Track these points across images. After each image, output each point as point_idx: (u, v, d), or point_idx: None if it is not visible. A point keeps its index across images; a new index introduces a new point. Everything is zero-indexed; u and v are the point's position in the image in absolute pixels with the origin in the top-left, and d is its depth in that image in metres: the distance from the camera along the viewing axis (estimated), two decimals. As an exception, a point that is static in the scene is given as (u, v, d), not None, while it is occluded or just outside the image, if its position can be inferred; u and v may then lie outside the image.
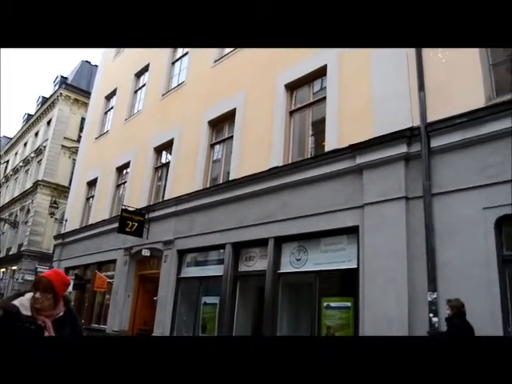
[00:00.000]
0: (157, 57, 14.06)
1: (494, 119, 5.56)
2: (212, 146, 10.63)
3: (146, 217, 11.09)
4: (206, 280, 9.50)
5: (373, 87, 7.22)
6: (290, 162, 8.28)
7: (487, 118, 5.62)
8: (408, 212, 6.08)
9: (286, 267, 7.71)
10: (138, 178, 12.79)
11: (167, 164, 11.94)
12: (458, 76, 6.20)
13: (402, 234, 6.00)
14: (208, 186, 10.00)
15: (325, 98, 8.03)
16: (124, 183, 13.92)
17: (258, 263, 8.30)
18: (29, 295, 2.78)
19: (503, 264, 5.16)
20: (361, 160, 6.72)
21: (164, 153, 12.56)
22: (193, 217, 9.80)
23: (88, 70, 31.77)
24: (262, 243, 8.11)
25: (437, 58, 6.43)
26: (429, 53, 6.59)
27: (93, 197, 15.71)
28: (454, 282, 5.41)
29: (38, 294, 2.71)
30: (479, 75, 6.01)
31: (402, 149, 6.31)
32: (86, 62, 33.40)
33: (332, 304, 6.83)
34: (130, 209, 11.13)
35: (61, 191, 26.94)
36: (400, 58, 6.94)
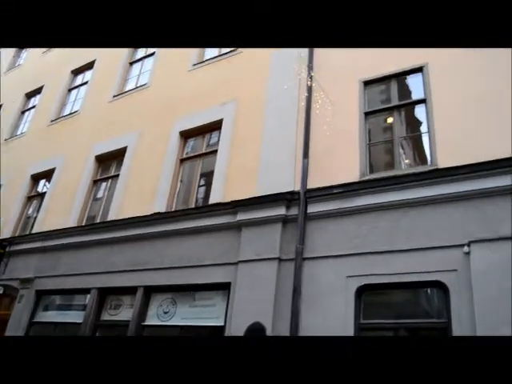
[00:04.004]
0: (55, 81, 13.41)
1: (365, 193, 5.95)
2: (95, 182, 10.09)
3: (7, 249, 9.99)
4: (62, 327, 8.63)
5: (263, 147, 7.44)
6: (173, 209, 8.10)
7: (360, 191, 5.99)
8: (279, 273, 6.14)
9: (152, 319, 7.29)
10: (8, 205, 11.63)
11: (43, 194, 11.05)
12: (340, 150, 6.62)
13: (271, 294, 6.01)
14: (84, 223, 9.37)
15: (216, 151, 8.10)
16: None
17: (123, 312, 7.76)
18: None
19: (359, 332, 5.35)
20: (241, 217, 6.75)
21: (42, 181, 11.65)
22: (59, 255, 9.01)
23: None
24: (130, 291, 7.64)
25: (323, 130, 6.81)
26: (315, 126, 6.98)
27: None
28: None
29: None
30: (357, 152, 6.45)
31: (281, 211, 6.46)
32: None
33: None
34: (-13, 238, 9.98)
35: None
36: (290, 124, 7.30)
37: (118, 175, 9.51)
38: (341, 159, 6.54)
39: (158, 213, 7.95)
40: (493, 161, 5.19)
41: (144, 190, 8.62)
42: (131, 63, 11.79)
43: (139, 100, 10.35)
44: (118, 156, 9.85)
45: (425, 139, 6.27)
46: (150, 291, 7.48)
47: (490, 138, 5.51)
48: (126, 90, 11.08)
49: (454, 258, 5.06)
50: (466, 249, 5.01)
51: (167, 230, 7.60)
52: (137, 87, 10.81)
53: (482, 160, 5.26)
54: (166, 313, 7.17)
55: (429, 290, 5.45)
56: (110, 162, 10.16)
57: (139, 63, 11.63)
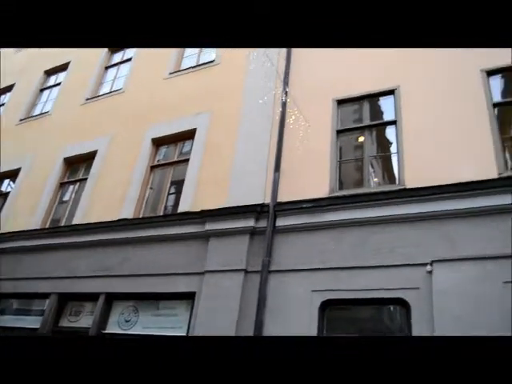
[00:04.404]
0: (27, 80, 13.14)
1: (334, 209, 6.03)
2: (62, 184, 9.87)
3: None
4: (18, 332, 8.25)
5: (235, 159, 7.46)
6: (141, 216, 8.00)
7: (329, 207, 6.07)
8: (245, 285, 6.11)
9: (113, 327, 7.12)
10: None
11: (7, 194, 10.73)
12: (311, 165, 6.71)
13: (236, 305, 5.97)
14: (47, 226, 9.13)
15: (188, 160, 8.08)
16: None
17: (83, 319, 7.55)
18: None
19: (322, 348, 5.35)
20: (209, 227, 6.73)
21: (7, 181, 11.32)
22: (20, 258, 8.72)
23: None
24: (92, 298, 7.46)
25: (295, 145, 6.89)
26: (288, 141, 7.06)
27: None
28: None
29: None
30: (328, 168, 6.55)
31: (250, 223, 6.46)
32: None
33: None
34: None
35: None
36: (263, 138, 7.37)
37: (86, 179, 9.33)
38: (311, 174, 6.62)
39: (125, 219, 7.83)
40: (457, 184, 5.36)
41: (112, 195, 8.48)
42: (107, 67, 11.68)
43: (113, 105, 10.25)
44: (87, 159, 9.68)
45: (394, 159, 6.42)
46: (112, 298, 7.31)
47: (455, 162, 5.69)
48: (100, 93, 10.96)
49: (416, 277, 5.16)
50: (428, 268, 5.12)
51: (133, 236, 7.49)
52: (111, 92, 10.71)
53: (447, 182, 5.42)
54: (127, 321, 7.02)
55: (392, 307, 5.53)
56: (78, 165, 9.97)
57: (115, 68, 11.54)
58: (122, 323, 7.06)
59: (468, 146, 5.76)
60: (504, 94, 6.25)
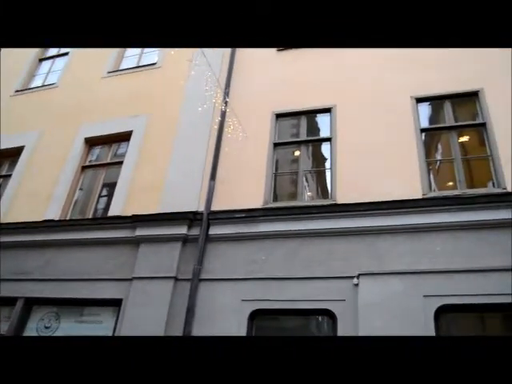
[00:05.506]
0: None
1: (267, 220, 6.11)
2: (-19, 181, 9.23)
3: None
4: None
5: (171, 165, 7.37)
6: (68, 218, 7.66)
7: (262, 218, 6.14)
8: (174, 293, 6.02)
9: (31, 334, 6.71)
10: None
11: None
12: (247, 176, 6.78)
13: (164, 313, 5.85)
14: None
15: (122, 163, 7.86)
16: None
17: (-2, 325, 7.07)
18: None
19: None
20: (140, 232, 6.58)
21: None
22: None
23: None
24: (9, 302, 6.99)
25: (232, 155, 6.93)
26: (225, 150, 7.10)
27: None
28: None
29: None
30: (263, 180, 6.64)
31: (183, 230, 6.39)
32: None
33: None
34: None
35: None
36: (201, 145, 7.36)
37: (10, 175, 8.79)
38: (247, 185, 6.68)
39: (51, 220, 7.47)
40: (385, 202, 5.64)
41: (38, 194, 8.04)
42: (41, 60, 11.15)
43: (45, 99, 9.76)
44: (12, 155, 9.12)
45: (328, 175, 6.63)
46: (32, 303, 6.90)
47: (384, 181, 5.99)
48: (32, 86, 10.42)
49: (343, 289, 5.34)
50: (355, 280, 5.32)
51: (59, 239, 7.14)
52: (44, 85, 10.22)
53: (376, 200, 5.69)
54: (47, 327, 6.65)
55: (319, 318, 5.67)
56: (2, 160, 9.38)
57: (50, 61, 11.03)
58: (42, 329, 6.67)
59: (397, 167, 6.08)
60: (431, 120, 6.68)
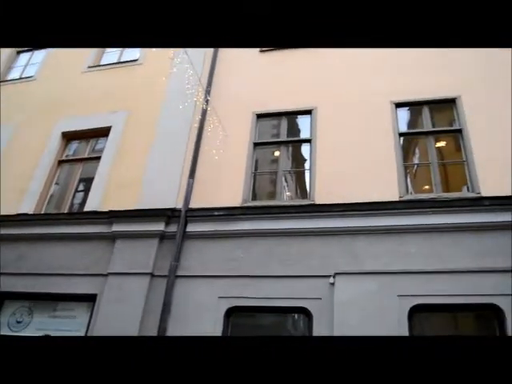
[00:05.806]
0: None
1: (245, 219, 6.12)
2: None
3: None
4: None
5: (149, 161, 7.32)
6: (43, 212, 7.52)
7: (240, 216, 6.15)
8: (150, 289, 5.97)
9: (2, 329, 6.56)
10: None
11: None
12: (226, 174, 6.79)
13: (139, 309, 5.80)
14: None
15: (99, 158, 7.77)
16: None
17: (-33, 319, 6.88)
18: None
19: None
20: (117, 228, 6.51)
21: None
22: None
23: None
24: (-21, 297, 6.83)
25: (212, 153, 6.92)
26: (205, 149, 7.08)
27: None
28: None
29: None
30: (242, 178, 6.65)
31: (160, 227, 6.36)
32: None
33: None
34: None
35: None
36: (181, 143, 7.33)
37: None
38: (226, 183, 6.69)
39: (25, 214, 7.33)
40: (362, 203, 5.73)
41: (12, 187, 7.87)
42: (19, 52, 10.93)
43: (22, 92, 9.58)
44: (-14, 147, 8.93)
45: (307, 175, 6.68)
46: (4, 298, 6.74)
47: (362, 183, 6.07)
48: (8, 78, 10.22)
49: (319, 288, 5.39)
50: (331, 279, 5.37)
51: (33, 233, 6.99)
52: (21, 78, 10.04)
53: (354, 201, 5.77)
54: (19, 322, 6.50)
55: (295, 315, 5.70)
56: (-25, 152, 9.16)
57: (28, 53, 10.82)
58: (13, 324, 6.53)
59: (375, 170, 6.17)
60: (409, 125, 6.81)
